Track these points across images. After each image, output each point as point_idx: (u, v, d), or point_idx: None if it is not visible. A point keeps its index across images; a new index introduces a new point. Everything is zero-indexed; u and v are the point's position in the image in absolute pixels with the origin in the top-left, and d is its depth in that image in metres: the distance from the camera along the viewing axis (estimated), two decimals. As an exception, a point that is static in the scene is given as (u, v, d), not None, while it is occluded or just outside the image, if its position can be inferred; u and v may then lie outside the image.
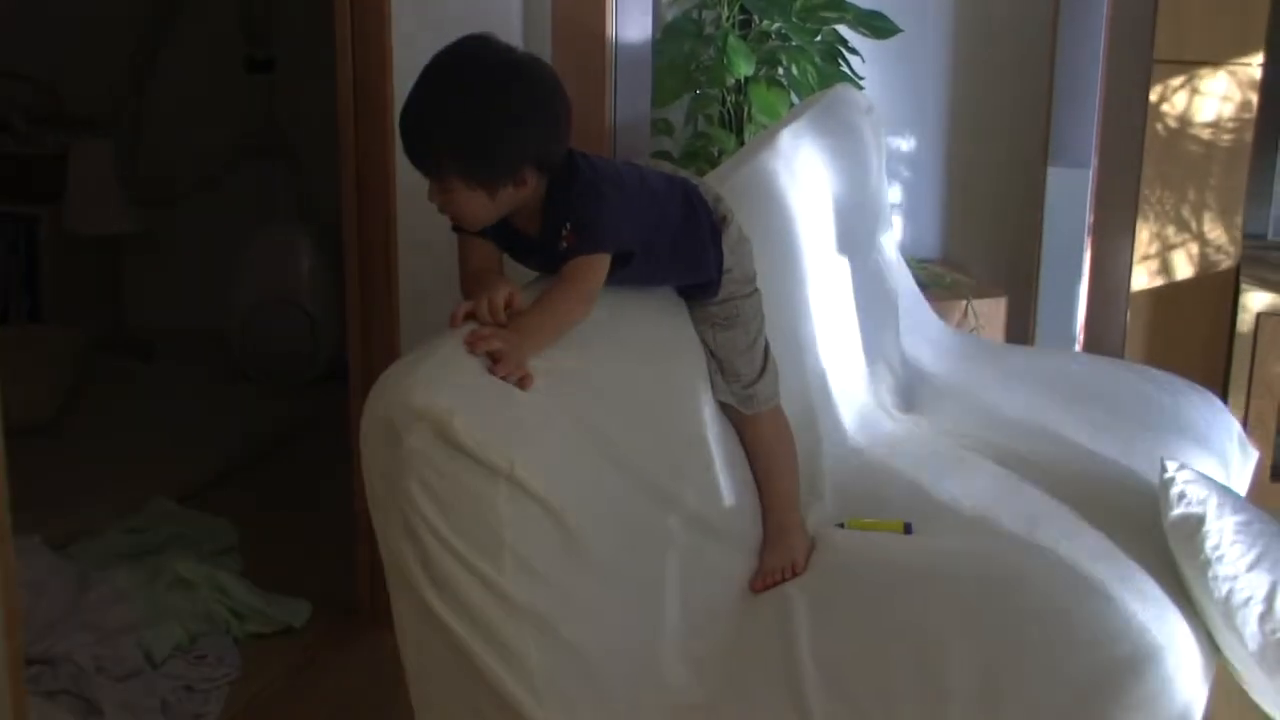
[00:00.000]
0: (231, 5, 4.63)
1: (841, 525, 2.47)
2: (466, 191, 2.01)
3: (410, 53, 2.98)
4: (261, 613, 3.19)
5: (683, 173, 2.41)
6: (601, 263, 2.09)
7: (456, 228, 2.11)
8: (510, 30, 3.37)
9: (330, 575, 3.32)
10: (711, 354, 2.32)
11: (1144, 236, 3.87)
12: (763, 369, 2.36)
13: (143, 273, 4.95)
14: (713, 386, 2.33)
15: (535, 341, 1.98)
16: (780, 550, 2.31)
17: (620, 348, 2.16)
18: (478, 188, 2.01)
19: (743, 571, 2.27)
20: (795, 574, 2.28)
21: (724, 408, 2.35)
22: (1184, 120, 3.80)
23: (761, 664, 2.08)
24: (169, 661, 2.96)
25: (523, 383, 1.92)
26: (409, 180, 2.98)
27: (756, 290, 2.36)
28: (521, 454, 1.82)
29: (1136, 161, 3.85)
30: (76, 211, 4.66)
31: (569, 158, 2.09)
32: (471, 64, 2.04)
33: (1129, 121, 3.87)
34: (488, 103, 2.00)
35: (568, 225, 2.06)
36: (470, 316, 1.97)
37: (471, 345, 1.90)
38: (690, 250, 2.25)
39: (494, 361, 1.91)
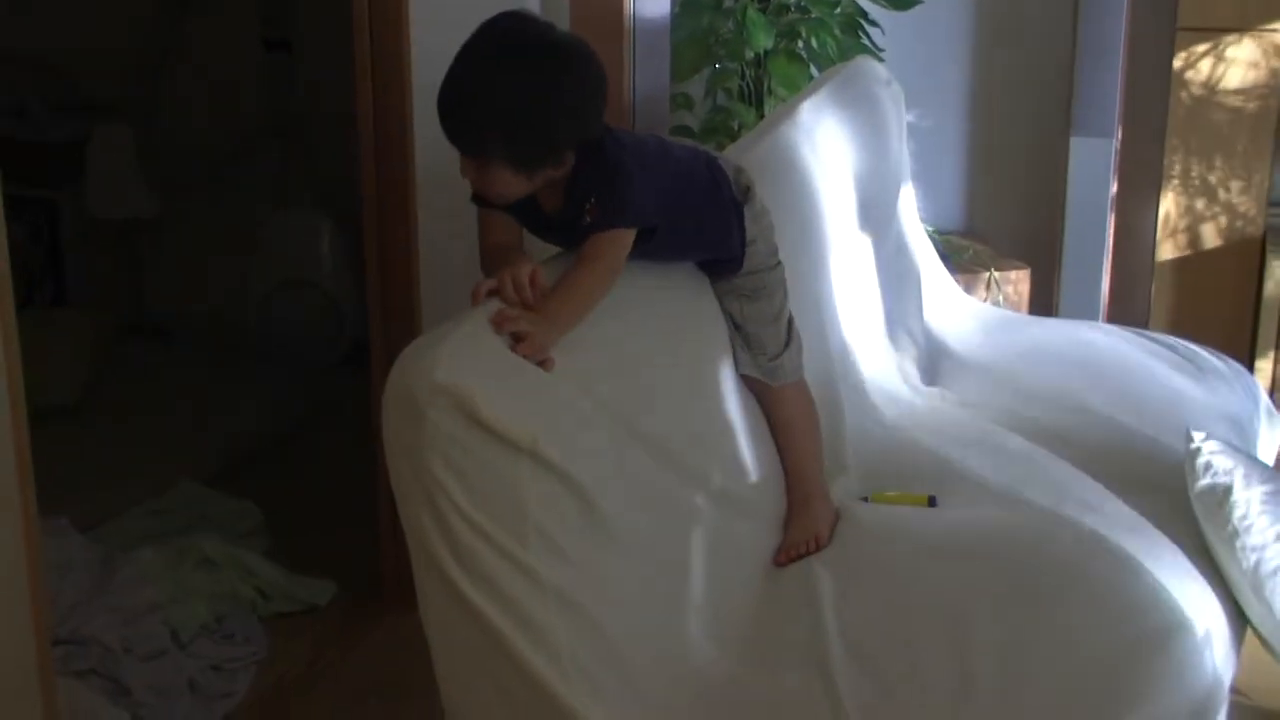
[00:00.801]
0: (249, -14, 4.63)
1: (866, 499, 2.46)
2: (504, 173, 1.99)
3: (427, 32, 2.97)
4: (287, 592, 3.20)
5: (702, 147, 2.40)
6: (624, 238, 2.08)
7: (477, 199, 2.09)
8: (528, 4, 3.36)
9: (354, 555, 3.33)
10: (737, 327, 2.32)
11: (1168, 206, 3.85)
12: (787, 341, 2.36)
13: (163, 256, 4.96)
14: (736, 361, 2.32)
15: (561, 323, 1.97)
16: (804, 522, 2.31)
17: (642, 323, 2.15)
18: (520, 170, 1.99)
19: (768, 546, 2.26)
20: (819, 547, 2.27)
21: (748, 381, 2.34)
22: (1209, 88, 3.77)
23: (787, 639, 2.07)
24: (195, 641, 2.97)
25: (545, 365, 1.92)
26: (428, 160, 2.98)
27: (780, 263, 2.36)
28: (545, 430, 1.82)
29: (1160, 130, 3.82)
30: (97, 195, 4.66)
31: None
32: (518, 44, 1.99)
33: (1153, 90, 3.84)
34: (537, 87, 1.97)
35: (591, 200, 2.04)
36: (493, 293, 1.96)
37: (498, 325, 1.89)
38: (714, 224, 2.24)
39: (517, 342, 1.90)
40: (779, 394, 2.36)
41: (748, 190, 2.31)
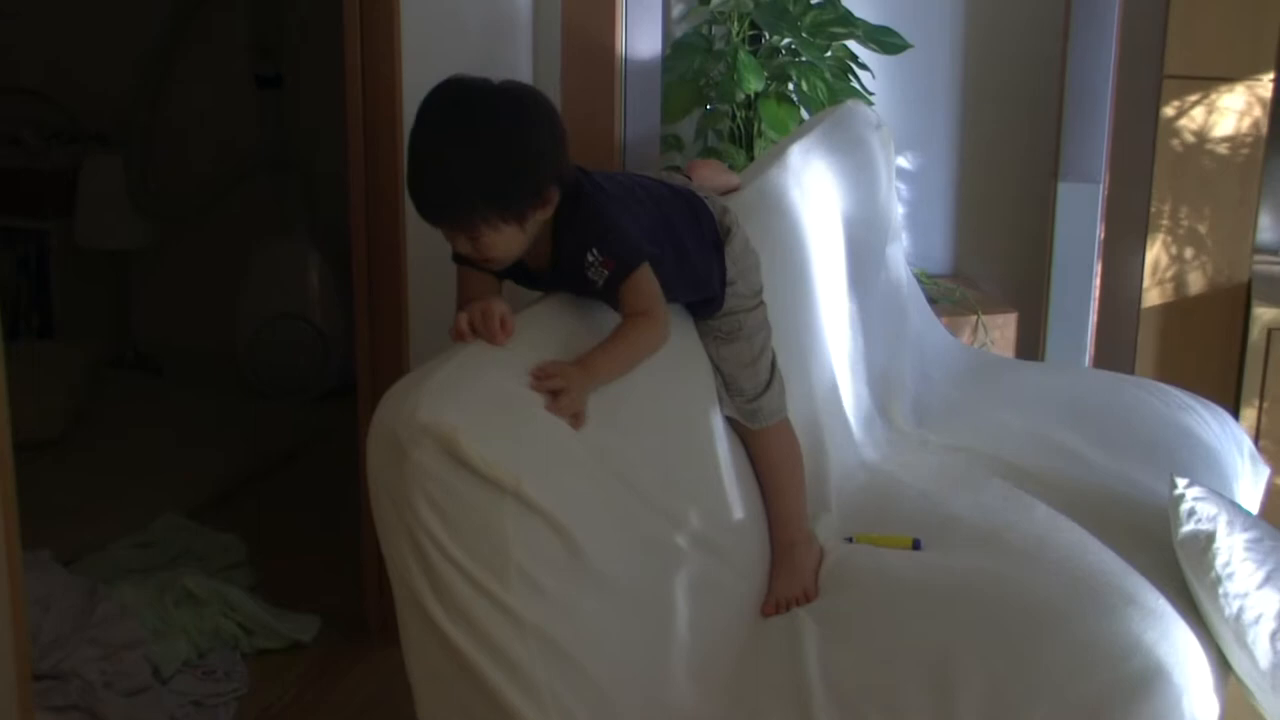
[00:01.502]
0: (242, 21, 4.65)
1: (850, 539, 2.46)
2: (499, 231, 1.97)
3: (419, 68, 2.99)
4: (270, 628, 3.19)
5: (685, 185, 2.40)
6: (649, 279, 2.09)
7: (459, 257, 2.08)
8: (521, 51, 3.39)
9: (339, 591, 3.32)
10: (716, 368, 2.32)
11: (1155, 252, 3.86)
12: (768, 383, 2.35)
13: (152, 288, 4.96)
14: (720, 402, 2.33)
15: (600, 378, 2.00)
16: (789, 570, 2.31)
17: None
18: (511, 221, 1.98)
19: (750, 590, 2.26)
20: (807, 600, 2.28)
21: (731, 423, 2.34)
22: (1195, 135, 3.79)
23: (770, 683, 2.07)
24: (177, 677, 2.96)
25: (575, 421, 1.93)
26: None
27: (762, 304, 2.35)
28: (528, 470, 1.82)
29: (1147, 177, 3.84)
30: (87, 226, 4.67)
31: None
32: (465, 106, 1.99)
33: (1140, 137, 3.86)
34: (500, 136, 1.96)
35: (594, 251, 2.03)
36: (474, 329, 1.97)
37: (536, 380, 1.91)
38: (695, 263, 2.25)
39: (552, 397, 1.91)
40: (762, 436, 2.36)
41: (728, 231, 2.31)
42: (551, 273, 2.10)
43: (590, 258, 2.04)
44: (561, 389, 1.91)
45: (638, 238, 2.09)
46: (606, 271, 2.05)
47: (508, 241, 1.99)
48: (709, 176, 2.66)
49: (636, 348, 2.07)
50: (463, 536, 1.78)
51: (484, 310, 1.96)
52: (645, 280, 2.08)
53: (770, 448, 2.37)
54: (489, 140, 1.96)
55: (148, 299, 4.97)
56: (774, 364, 2.37)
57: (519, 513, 1.81)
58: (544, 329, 2.05)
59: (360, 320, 3.12)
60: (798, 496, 2.40)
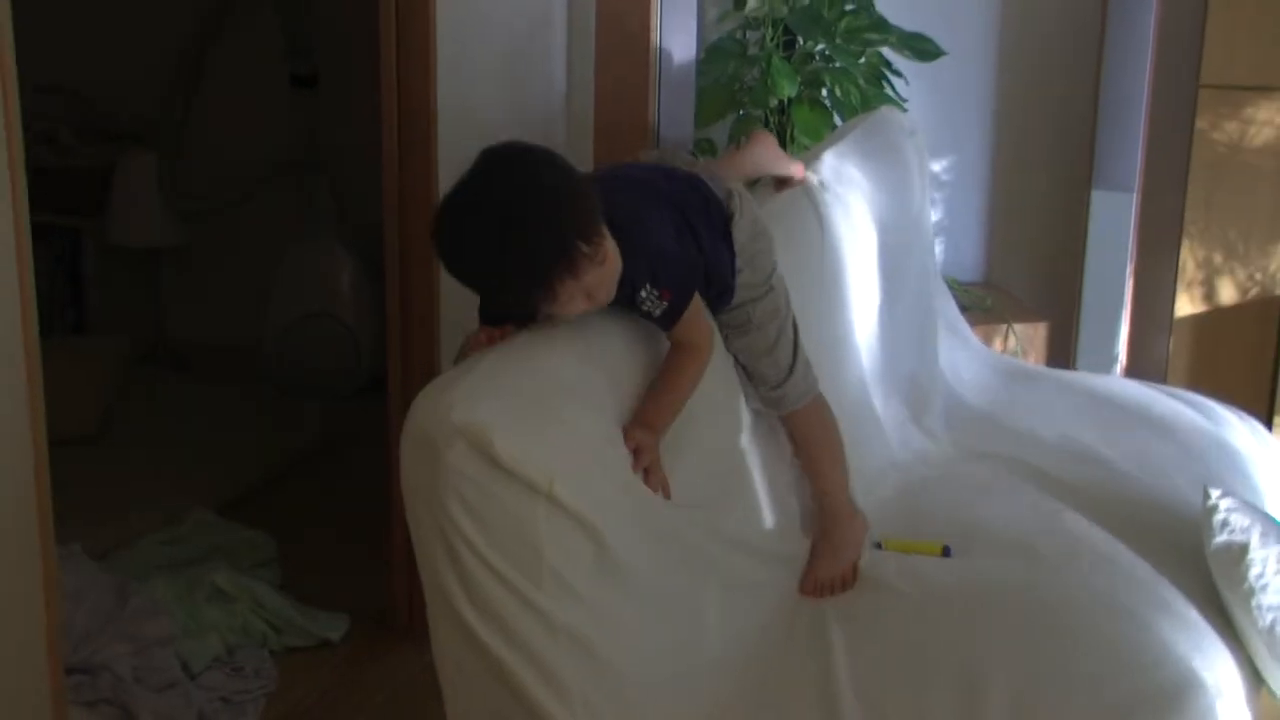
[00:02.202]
0: (276, 22, 4.66)
1: (879, 545, 2.45)
2: (593, 271, 1.95)
3: (454, 68, 3.00)
4: (299, 626, 3.20)
5: (686, 169, 2.34)
6: (699, 304, 2.12)
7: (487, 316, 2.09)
8: (556, 56, 3.39)
9: (368, 589, 3.33)
10: (736, 360, 2.31)
11: (1188, 261, 3.85)
12: (791, 367, 2.32)
13: (184, 285, 4.99)
14: (745, 396, 2.32)
15: (664, 430, 2.05)
16: (833, 552, 2.32)
17: (660, 354, 2.16)
18: (595, 256, 1.95)
19: (782, 588, 2.25)
20: (845, 587, 2.28)
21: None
22: (1230, 145, 3.78)
23: (797, 684, 2.07)
24: (206, 673, 2.97)
25: (665, 489, 2.01)
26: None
27: (772, 289, 2.31)
28: (561, 471, 1.82)
29: (1181, 186, 3.83)
30: (119, 224, 4.70)
31: None
32: (493, 193, 1.95)
33: (1174, 146, 3.85)
34: (539, 196, 1.94)
35: (646, 288, 2.04)
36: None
37: (636, 459, 1.97)
38: (710, 260, 2.22)
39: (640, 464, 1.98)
40: (795, 417, 2.36)
41: (731, 216, 2.27)
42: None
43: (644, 293, 2.05)
44: (648, 465, 1.98)
45: (688, 258, 2.11)
46: (665, 303, 2.07)
47: (606, 277, 1.98)
48: (763, 159, 2.67)
49: (687, 389, 2.11)
50: (495, 537, 1.79)
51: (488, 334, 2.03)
52: (697, 311, 2.12)
53: (804, 426, 2.37)
54: (535, 207, 1.93)
55: (180, 296, 4.99)
56: (796, 346, 2.33)
57: (551, 514, 1.81)
58: (571, 330, 2.05)
59: (391, 320, 3.13)
60: (836, 469, 2.41)
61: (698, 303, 2.12)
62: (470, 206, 1.93)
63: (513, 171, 1.96)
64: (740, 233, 2.26)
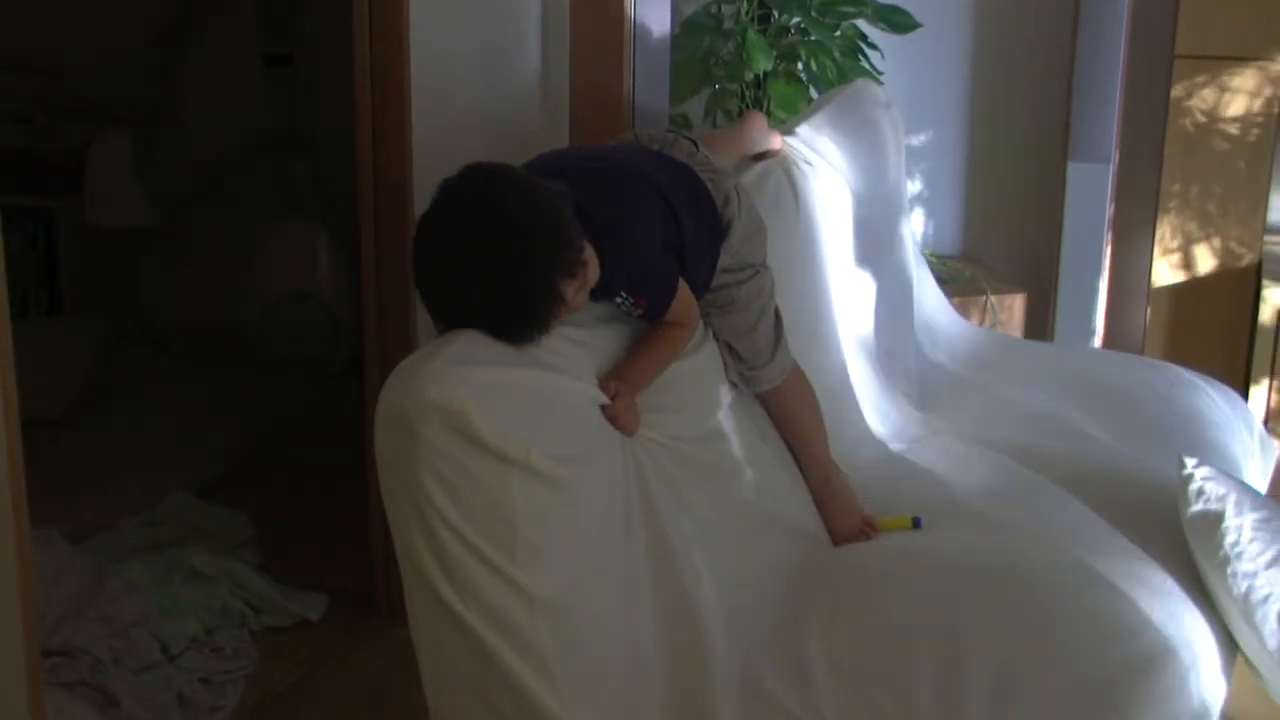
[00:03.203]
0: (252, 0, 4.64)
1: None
2: (572, 289, 1.97)
3: (427, 46, 2.98)
4: (278, 606, 3.20)
5: (709, 164, 2.36)
6: (683, 293, 2.15)
7: None
8: (530, 32, 3.38)
9: (347, 569, 3.32)
10: (715, 337, 2.32)
11: (1165, 232, 3.86)
12: (773, 349, 2.35)
13: (161, 267, 4.96)
14: (725, 366, 2.33)
15: (640, 388, 2.09)
16: (840, 508, 2.38)
17: (638, 329, 2.17)
18: (576, 276, 1.97)
19: (772, 555, 2.25)
20: (874, 531, 2.35)
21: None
22: (1206, 115, 3.79)
23: (775, 661, 2.07)
24: (185, 654, 2.97)
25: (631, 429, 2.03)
26: (426, 174, 2.99)
27: (757, 273, 2.33)
28: (539, 442, 1.82)
29: (1158, 157, 3.84)
30: (95, 205, 4.66)
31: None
32: (481, 218, 1.94)
33: (1150, 117, 3.86)
34: (527, 211, 1.95)
35: (623, 294, 2.08)
36: None
37: (608, 392, 2.01)
38: (692, 253, 2.23)
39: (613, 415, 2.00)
40: (774, 395, 2.39)
41: (729, 224, 2.29)
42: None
43: (620, 298, 2.10)
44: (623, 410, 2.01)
45: (666, 270, 2.13)
46: (639, 310, 2.11)
47: (586, 276, 1.99)
48: (759, 137, 2.69)
49: (667, 355, 2.14)
50: (471, 512, 1.79)
51: None
52: (681, 299, 2.14)
53: (784, 400, 2.41)
54: (514, 232, 1.94)
55: (157, 277, 4.96)
56: (777, 326, 2.36)
57: (527, 483, 1.82)
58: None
59: (368, 300, 3.12)
60: (819, 435, 2.45)
61: (683, 289, 2.15)
62: (448, 253, 1.93)
63: (485, 212, 1.94)
64: (735, 237, 2.29)
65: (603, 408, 2.00)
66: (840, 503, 2.40)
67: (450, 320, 1.97)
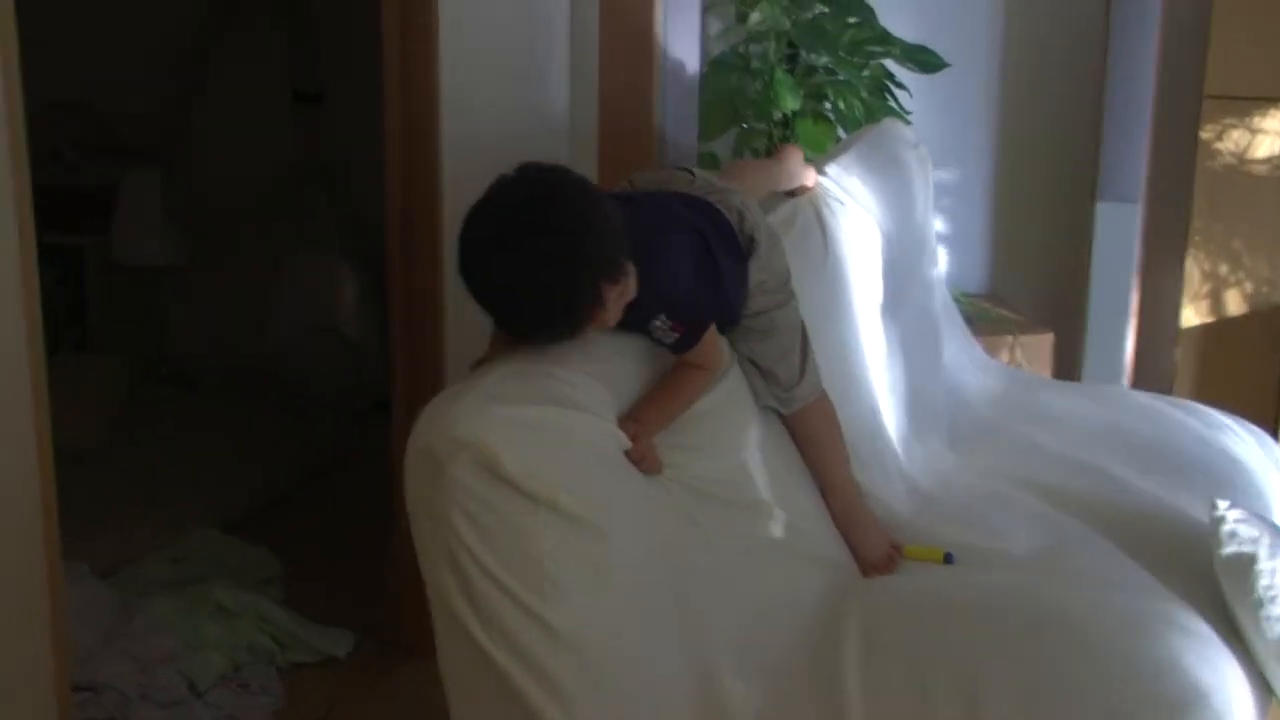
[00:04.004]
0: (280, 38, 4.67)
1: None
2: (613, 294, 1.99)
3: (458, 84, 3.00)
4: (304, 642, 3.20)
5: (712, 185, 2.37)
6: (712, 333, 2.16)
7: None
8: (559, 71, 3.39)
9: (373, 605, 3.32)
10: (752, 363, 2.32)
11: (1194, 272, 3.84)
12: (802, 369, 2.37)
13: (187, 302, 4.98)
14: (755, 392, 2.34)
15: (657, 430, 2.07)
16: (864, 533, 2.39)
17: (663, 370, 2.17)
18: (620, 279, 1.99)
19: (798, 589, 2.24)
20: (900, 557, 2.37)
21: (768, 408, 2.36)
22: (1235, 156, 3.78)
23: (807, 689, 2.06)
24: (212, 690, 2.97)
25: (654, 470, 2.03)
26: (456, 212, 3.00)
27: (792, 294, 2.36)
28: (566, 482, 1.82)
29: (1187, 197, 3.82)
30: (123, 242, 4.69)
31: None
32: (523, 214, 1.96)
33: (1179, 157, 3.85)
34: (573, 217, 1.96)
35: (663, 317, 2.08)
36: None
37: (631, 436, 1.99)
38: (726, 287, 2.24)
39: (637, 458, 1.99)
40: (800, 416, 2.39)
41: (751, 240, 2.31)
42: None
43: (659, 322, 2.10)
44: (643, 452, 2.00)
45: (702, 298, 2.15)
46: (676, 335, 2.11)
47: (626, 288, 2.01)
48: (791, 171, 2.71)
49: (686, 398, 2.14)
50: (499, 549, 1.79)
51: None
52: (709, 340, 2.15)
53: (809, 422, 2.41)
54: (563, 226, 1.95)
55: (183, 313, 4.98)
56: (806, 349, 2.38)
57: (555, 523, 1.81)
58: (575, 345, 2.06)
59: (395, 336, 3.12)
60: (844, 460, 2.46)
61: (713, 336, 2.17)
62: (497, 242, 1.94)
63: (538, 205, 1.96)
64: (762, 249, 2.30)
65: (626, 452, 1.99)
66: (865, 529, 2.41)
67: (490, 307, 1.99)
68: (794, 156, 2.76)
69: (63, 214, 4.66)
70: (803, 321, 2.39)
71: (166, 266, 4.81)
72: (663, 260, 2.10)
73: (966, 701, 1.99)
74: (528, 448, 1.82)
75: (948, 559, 2.43)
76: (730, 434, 2.26)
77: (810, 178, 2.76)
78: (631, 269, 2.01)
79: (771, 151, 3.80)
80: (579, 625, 1.82)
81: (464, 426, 1.80)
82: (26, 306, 2.09)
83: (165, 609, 3.14)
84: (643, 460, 2.01)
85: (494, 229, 1.95)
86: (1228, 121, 3.77)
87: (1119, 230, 3.82)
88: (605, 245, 1.97)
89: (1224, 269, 3.85)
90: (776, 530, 2.25)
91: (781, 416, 2.39)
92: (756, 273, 2.29)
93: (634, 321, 2.08)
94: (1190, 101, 3.80)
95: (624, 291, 2.01)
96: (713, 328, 2.17)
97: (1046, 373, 3.94)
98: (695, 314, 2.13)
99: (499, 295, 1.97)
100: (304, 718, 3.01)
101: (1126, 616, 2.19)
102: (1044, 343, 3.96)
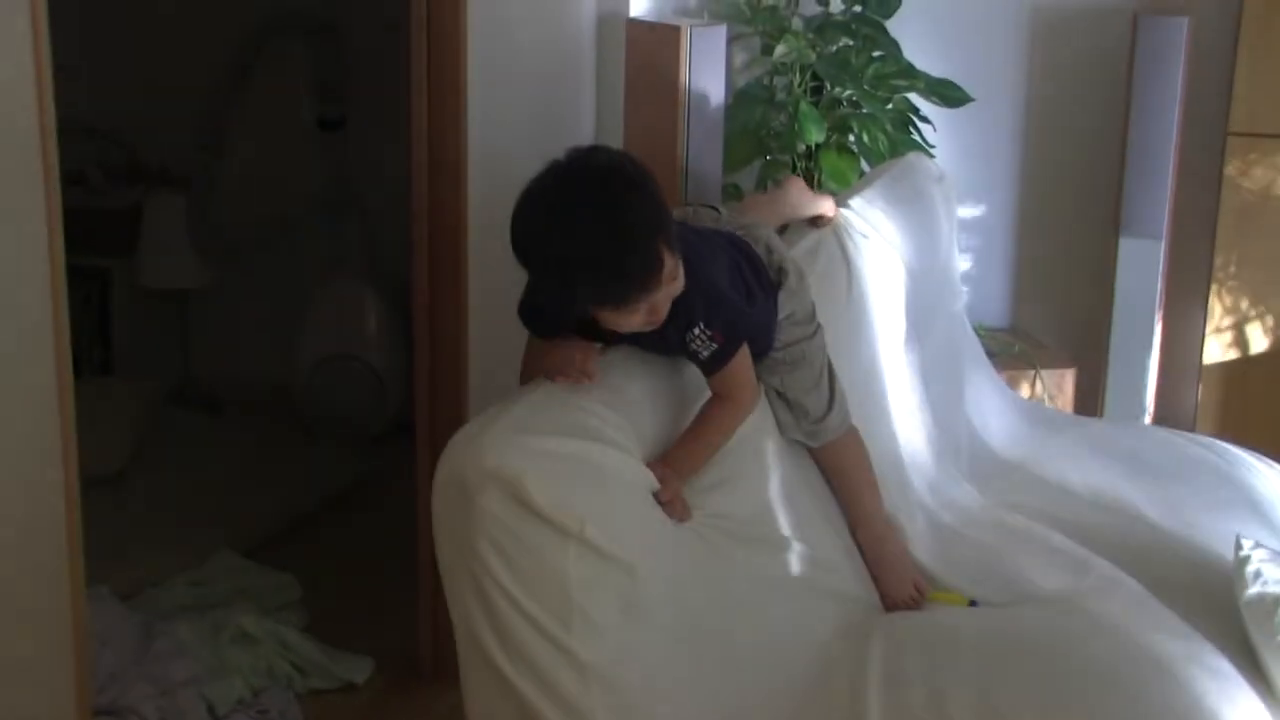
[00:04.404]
0: (304, 64, 4.69)
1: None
2: (670, 262, 1.99)
3: (484, 114, 3.01)
4: (324, 668, 3.20)
5: (738, 221, 2.39)
6: (746, 355, 2.14)
7: (537, 327, 2.11)
8: (585, 101, 3.41)
9: (393, 632, 3.32)
10: (779, 395, 2.32)
11: (1217, 309, 3.84)
12: (830, 401, 2.36)
13: (211, 326, 5.00)
14: (781, 426, 2.33)
15: (690, 474, 2.07)
16: (890, 569, 2.38)
17: (691, 403, 2.17)
18: (674, 253, 1.99)
19: (822, 623, 2.24)
20: (922, 596, 2.35)
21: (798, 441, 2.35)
22: (1258, 193, 3.77)
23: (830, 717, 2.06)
24: (231, 715, 2.97)
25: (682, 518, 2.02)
26: (480, 238, 3.01)
27: (819, 326, 2.37)
28: (593, 514, 1.83)
29: (1210, 233, 3.82)
30: (149, 265, 4.71)
31: None
32: (570, 185, 1.98)
33: (1202, 193, 3.85)
34: (635, 178, 1.99)
35: (700, 326, 2.06)
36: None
37: (663, 484, 1.99)
38: (759, 317, 2.25)
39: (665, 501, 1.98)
40: (829, 449, 2.40)
41: (780, 270, 2.32)
42: (649, 334, 2.09)
43: (698, 330, 2.07)
44: (670, 497, 1.99)
45: (740, 309, 2.14)
46: (715, 345, 2.09)
47: (675, 273, 2.00)
48: (798, 201, 2.70)
49: (718, 439, 2.13)
50: (526, 580, 1.79)
51: (584, 350, 2.03)
52: (743, 362, 2.13)
53: (839, 456, 2.41)
54: (618, 200, 1.96)
55: (207, 337, 5.00)
56: (833, 381, 2.38)
57: (583, 557, 1.81)
58: (613, 376, 2.06)
59: (420, 363, 3.13)
60: (874, 493, 2.45)
61: (746, 357, 2.15)
62: (557, 205, 1.95)
63: (602, 171, 1.99)
64: (791, 280, 2.32)
65: (654, 494, 1.99)
66: (893, 564, 2.40)
67: (544, 274, 1.98)
68: (796, 184, 2.77)
69: (88, 236, 4.69)
70: (828, 355, 2.39)
71: (191, 290, 4.83)
72: (707, 259, 2.11)
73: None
74: (558, 480, 1.82)
75: (972, 605, 2.42)
76: (757, 468, 2.26)
77: (828, 206, 2.76)
78: (680, 257, 2.00)
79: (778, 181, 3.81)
80: (609, 661, 1.82)
81: (493, 456, 1.80)
82: (56, 330, 2.11)
83: (186, 633, 3.14)
84: (670, 504, 2.00)
85: (553, 194, 1.96)
86: (1252, 158, 3.77)
87: (1142, 265, 3.81)
88: (660, 210, 1.98)
89: (1246, 305, 3.84)
90: (800, 566, 2.24)
91: (810, 451, 2.39)
92: (786, 304, 2.30)
93: (674, 331, 2.07)
94: (1214, 138, 3.80)
95: (676, 270, 1.99)
96: (746, 352, 2.15)
97: (1068, 407, 3.93)
98: (733, 318, 2.11)
99: (555, 261, 1.95)
100: (323, 743, 3.02)
101: (1151, 657, 2.19)
102: (1066, 378, 3.96)
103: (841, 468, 2.41)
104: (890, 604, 2.37)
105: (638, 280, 1.95)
